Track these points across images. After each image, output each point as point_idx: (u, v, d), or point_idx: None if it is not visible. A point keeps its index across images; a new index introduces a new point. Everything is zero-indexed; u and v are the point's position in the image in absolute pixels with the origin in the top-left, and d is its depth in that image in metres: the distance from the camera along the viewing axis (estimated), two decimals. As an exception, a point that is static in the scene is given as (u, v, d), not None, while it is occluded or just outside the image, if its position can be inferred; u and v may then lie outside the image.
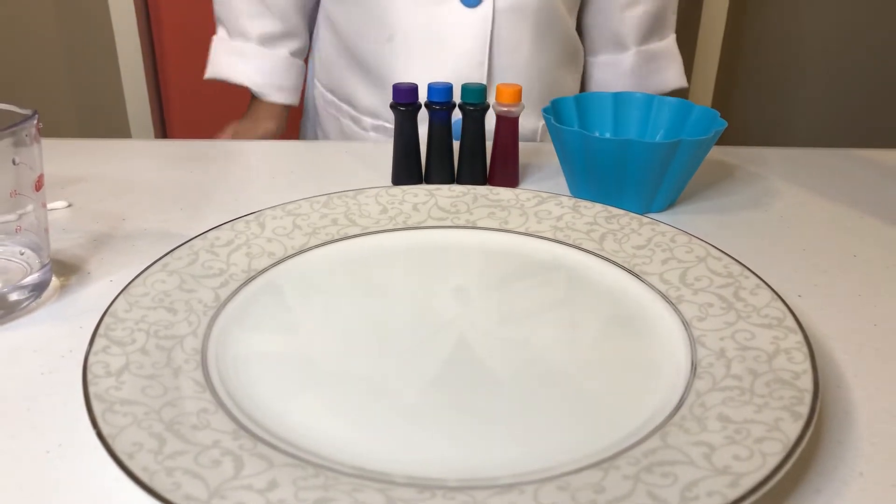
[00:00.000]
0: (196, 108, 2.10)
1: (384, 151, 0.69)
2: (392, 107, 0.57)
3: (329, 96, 0.89)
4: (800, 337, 0.36)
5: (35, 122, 0.40)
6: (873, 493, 0.30)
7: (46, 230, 0.43)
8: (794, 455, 0.28)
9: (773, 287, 0.40)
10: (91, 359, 0.33)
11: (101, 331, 0.35)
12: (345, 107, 0.87)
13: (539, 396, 0.34)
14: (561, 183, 0.61)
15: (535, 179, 0.62)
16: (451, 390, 0.35)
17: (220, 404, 0.32)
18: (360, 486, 0.28)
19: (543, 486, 0.28)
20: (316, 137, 0.95)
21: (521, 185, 0.61)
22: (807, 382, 0.32)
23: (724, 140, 0.57)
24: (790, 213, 0.57)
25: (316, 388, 0.35)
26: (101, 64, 1.99)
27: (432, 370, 0.36)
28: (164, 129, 2.15)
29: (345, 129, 0.88)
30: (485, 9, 0.74)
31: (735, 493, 0.26)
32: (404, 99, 0.56)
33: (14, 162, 0.39)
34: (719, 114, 0.57)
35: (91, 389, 0.31)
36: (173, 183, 0.60)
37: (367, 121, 0.84)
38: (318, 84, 0.92)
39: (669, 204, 0.57)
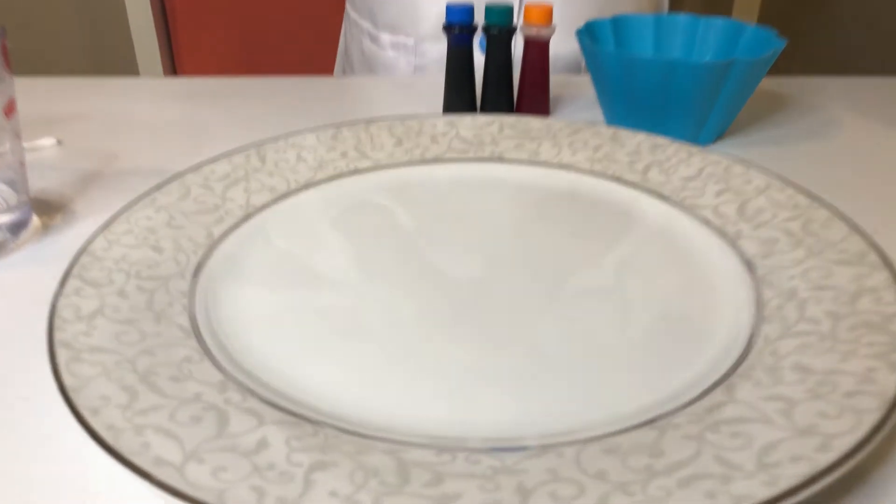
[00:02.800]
0: (206, 42, 2.04)
1: (424, 83, 0.63)
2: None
3: (352, 15, 0.84)
4: (888, 274, 0.30)
5: (1, 33, 0.35)
6: None
7: (23, 164, 0.38)
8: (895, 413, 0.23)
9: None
10: (61, 301, 0.29)
11: (74, 271, 0.31)
12: (364, 24, 0.81)
13: (579, 347, 0.29)
14: (597, 116, 0.55)
15: (567, 112, 0.57)
16: (474, 340, 0.30)
17: (207, 352, 0.28)
18: (365, 448, 0.23)
19: (587, 447, 0.23)
20: (343, 72, 0.89)
21: (553, 116, 0.55)
22: (902, 326, 0.27)
23: (775, 70, 0.51)
24: (857, 144, 0.51)
25: (320, 338, 0.30)
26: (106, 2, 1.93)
27: (452, 319, 0.31)
28: (174, 70, 2.10)
29: (365, 51, 0.82)
30: None
31: (827, 459, 0.21)
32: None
33: (-24, 82, 0.34)
34: (777, 32, 0.50)
35: (57, 336, 0.27)
36: (175, 121, 0.55)
37: (385, 38, 0.78)
38: (347, 7, 0.86)
39: (718, 136, 0.51)
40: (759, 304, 0.31)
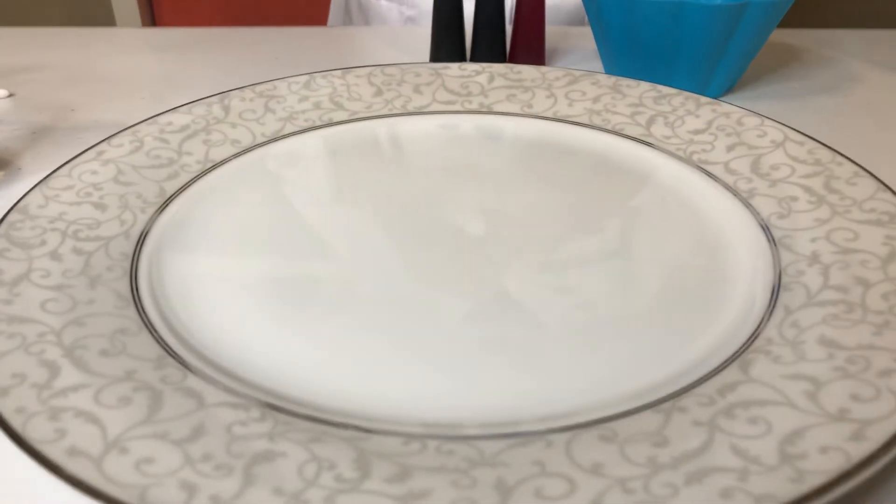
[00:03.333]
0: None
1: (412, 35, 0.59)
2: None
3: None
4: (923, 236, 0.27)
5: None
6: None
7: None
8: (941, 393, 0.20)
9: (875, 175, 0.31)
10: (-18, 265, 0.25)
11: (1, 230, 0.27)
12: None
13: (576, 318, 0.26)
14: (597, 68, 0.51)
15: (564, 64, 0.52)
16: (456, 310, 0.26)
17: (146, 324, 0.24)
18: (320, 435, 0.20)
19: (580, 435, 0.20)
20: (338, 23, 0.84)
21: (549, 65, 0.51)
22: (942, 294, 0.24)
23: (787, 22, 0.46)
24: (878, 98, 0.47)
25: (276, 311, 0.26)
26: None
27: (432, 286, 0.28)
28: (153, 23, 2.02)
29: (362, 1, 0.77)
30: None
31: (862, 450, 0.18)
32: None
33: None
34: (794, -26, 0.46)
35: (-29, 303, 0.23)
36: (143, 74, 0.51)
37: None
38: None
39: (728, 88, 0.47)
40: (777, 270, 0.27)
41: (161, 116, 0.36)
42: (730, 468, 0.18)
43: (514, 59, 0.50)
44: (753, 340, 0.24)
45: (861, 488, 0.19)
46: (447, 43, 0.49)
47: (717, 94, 0.46)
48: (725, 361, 0.23)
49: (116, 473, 0.18)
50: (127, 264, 0.27)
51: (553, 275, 0.28)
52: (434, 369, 0.23)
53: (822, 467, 0.18)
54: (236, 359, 0.23)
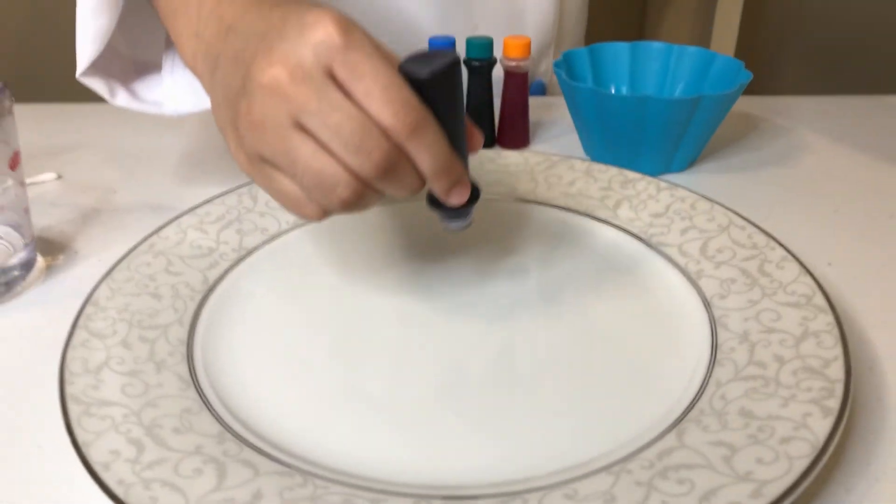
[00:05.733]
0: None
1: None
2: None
3: None
4: (830, 318, 0.33)
5: (6, 95, 0.37)
6: (910, 494, 0.28)
7: (27, 210, 0.41)
8: (824, 458, 0.26)
9: (800, 259, 0.37)
10: (69, 354, 0.31)
11: (80, 322, 0.33)
12: None
13: (543, 389, 0.32)
14: (575, 140, 0.58)
15: (547, 137, 0.59)
16: (448, 388, 0.32)
17: (205, 403, 0.30)
18: (350, 497, 0.26)
19: (549, 493, 0.26)
20: None
21: (533, 144, 0.58)
22: (837, 371, 0.30)
23: (750, 89, 0.53)
24: (821, 170, 0.53)
25: (307, 386, 0.32)
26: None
27: (430, 368, 0.34)
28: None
29: None
30: None
31: (758, 505, 0.24)
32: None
33: (-16, 141, 0.36)
34: (744, 64, 0.52)
35: (67, 390, 0.29)
36: (167, 148, 0.57)
37: None
38: None
39: (690, 162, 0.54)
40: (714, 347, 0.33)
41: (200, 208, 0.42)
42: (660, 520, 0.24)
43: (502, 135, 0.56)
44: (689, 411, 0.30)
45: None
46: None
47: (681, 167, 0.53)
48: (666, 429, 0.29)
49: (199, 531, 0.24)
50: (184, 349, 0.33)
51: (517, 351, 0.34)
52: (435, 441, 0.29)
53: (728, 519, 0.24)
54: (280, 430, 0.29)
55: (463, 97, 0.31)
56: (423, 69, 0.28)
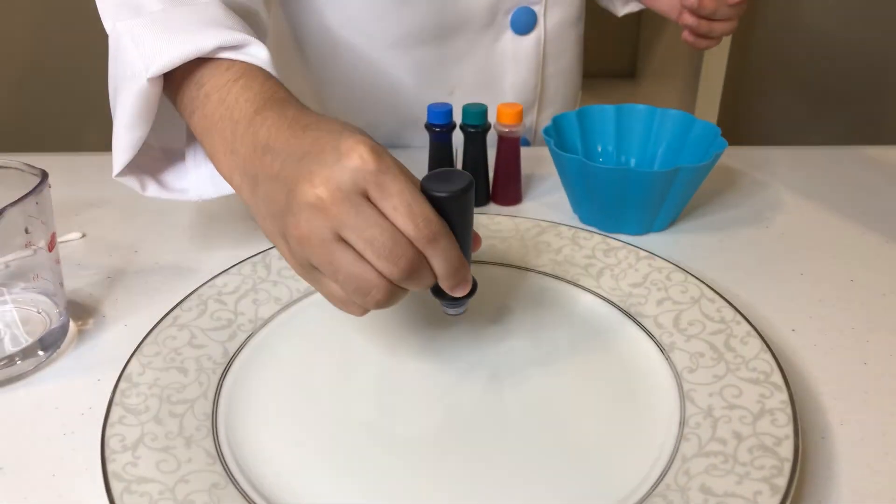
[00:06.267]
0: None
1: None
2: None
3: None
4: (785, 396, 0.37)
5: (46, 184, 0.41)
6: (846, 564, 0.32)
7: (62, 284, 0.44)
8: (770, 536, 0.30)
9: (765, 328, 0.41)
10: (108, 431, 0.35)
11: (116, 398, 0.37)
12: None
13: (514, 460, 0.36)
14: (563, 196, 0.62)
15: (537, 193, 0.63)
16: (429, 464, 0.36)
17: (231, 478, 0.34)
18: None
19: (531, 567, 0.30)
20: None
21: (525, 200, 0.62)
22: (787, 450, 0.34)
23: (737, 122, 0.57)
24: (791, 230, 0.57)
25: (326, 460, 0.36)
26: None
27: (431, 436, 0.38)
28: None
29: None
30: (537, 31, 0.71)
31: (709, 582, 0.28)
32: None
33: (27, 230, 0.40)
34: (720, 131, 0.56)
35: (109, 467, 0.33)
36: (186, 206, 0.61)
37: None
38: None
39: (672, 221, 0.58)
40: (682, 422, 0.37)
41: (218, 278, 0.46)
42: None
43: (496, 197, 0.60)
44: (657, 486, 0.34)
45: None
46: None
47: (663, 227, 0.57)
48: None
49: None
50: (209, 423, 0.37)
51: (498, 423, 0.38)
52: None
53: None
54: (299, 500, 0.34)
55: (472, 211, 0.37)
56: (442, 188, 0.34)
